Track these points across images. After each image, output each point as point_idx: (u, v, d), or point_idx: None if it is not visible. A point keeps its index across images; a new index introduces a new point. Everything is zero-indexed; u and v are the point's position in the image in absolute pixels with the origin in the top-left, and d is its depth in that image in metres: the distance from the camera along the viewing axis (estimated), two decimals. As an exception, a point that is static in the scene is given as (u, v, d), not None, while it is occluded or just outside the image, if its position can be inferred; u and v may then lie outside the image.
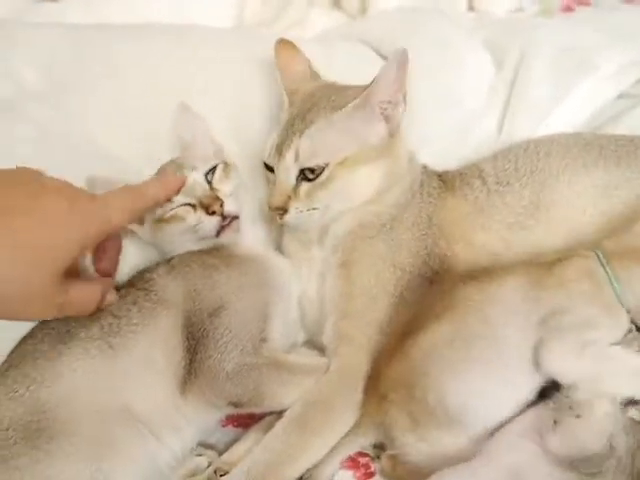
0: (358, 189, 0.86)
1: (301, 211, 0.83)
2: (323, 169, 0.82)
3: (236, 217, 0.83)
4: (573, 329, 0.68)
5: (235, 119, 0.96)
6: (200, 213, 0.81)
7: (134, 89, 0.98)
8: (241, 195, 0.87)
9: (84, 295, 0.70)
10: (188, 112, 0.92)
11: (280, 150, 0.83)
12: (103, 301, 0.74)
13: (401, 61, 0.82)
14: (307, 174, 0.82)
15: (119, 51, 1.01)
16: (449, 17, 1.26)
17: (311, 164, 0.82)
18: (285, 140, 0.83)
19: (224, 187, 0.84)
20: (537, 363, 0.68)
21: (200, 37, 1.08)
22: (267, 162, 0.85)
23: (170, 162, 0.87)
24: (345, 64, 1.10)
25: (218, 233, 0.82)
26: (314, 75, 0.92)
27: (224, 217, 0.82)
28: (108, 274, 0.77)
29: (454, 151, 1.03)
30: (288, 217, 0.83)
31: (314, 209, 0.84)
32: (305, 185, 0.83)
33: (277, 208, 0.82)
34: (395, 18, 1.24)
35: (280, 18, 1.39)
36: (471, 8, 1.46)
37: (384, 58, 1.13)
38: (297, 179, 0.83)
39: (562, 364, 0.67)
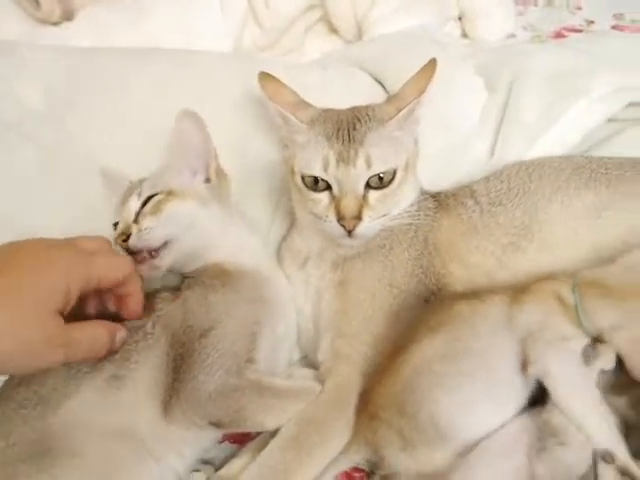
0: (408, 195, 0.90)
1: (373, 219, 0.83)
2: (394, 175, 0.84)
3: (153, 251, 0.81)
4: (554, 341, 0.70)
5: (233, 137, 0.97)
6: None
7: (135, 109, 1.00)
8: (227, 217, 0.88)
9: (88, 334, 0.70)
10: (191, 118, 0.88)
11: (346, 160, 0.81)
12: (114, 341, 0.74)
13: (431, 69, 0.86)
14: (372, 182, 0.83)
15: (120, 72, 1.04)
16: (442, 43, 1.29)
17: (384, 169, 0.83)
18: (347, 150, 0.82)
19: (143, 222, 0.81)
20: (527, 373, 0.69)
21: (200, 61, 1.11)
22: (319, 176, 0.83)
23: (130, 186, 0.87)
24: (341, 87, 1.12)
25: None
26: (307, 103, 0.91)
27: (129, 251, 0.80)
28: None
29: (447, 173, 1.05)
30: (362, 226, 0.82)
31: (383, 216, 0.85)
32: (375, 192, 0.83)
33: (353, 218, 0.81)
34: (390, 43, 1.26)
35: (278, 44, 1.42)
36: (465, 36, 1.50)
37: (379, 82, 1.15)
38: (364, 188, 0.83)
39: (555, 370, 0.69)
